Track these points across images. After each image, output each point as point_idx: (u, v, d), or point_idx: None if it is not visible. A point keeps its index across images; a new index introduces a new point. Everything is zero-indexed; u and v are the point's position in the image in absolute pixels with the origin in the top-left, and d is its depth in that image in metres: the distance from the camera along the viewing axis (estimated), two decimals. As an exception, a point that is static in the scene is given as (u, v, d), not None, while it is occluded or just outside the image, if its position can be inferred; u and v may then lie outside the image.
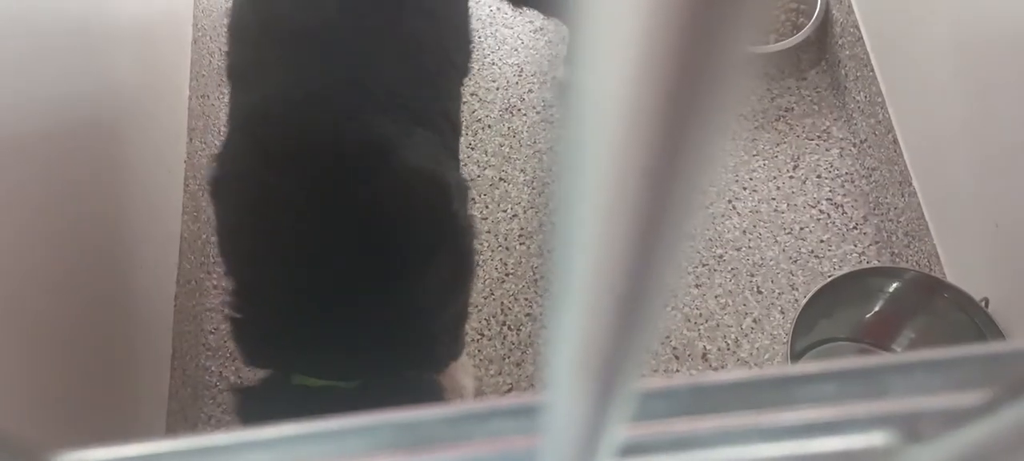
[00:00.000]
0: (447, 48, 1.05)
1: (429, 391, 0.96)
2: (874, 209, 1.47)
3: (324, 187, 0.87)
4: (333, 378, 0.90)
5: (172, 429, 1.26)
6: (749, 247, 1.45)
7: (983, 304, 1.11)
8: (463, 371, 1.31)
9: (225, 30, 1.04)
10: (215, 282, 1.48)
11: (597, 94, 0.11)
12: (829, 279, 1.19)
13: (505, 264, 1.46)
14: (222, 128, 1.62)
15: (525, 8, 1.55)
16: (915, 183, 1.33)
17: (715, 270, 1.43)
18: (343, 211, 0.87)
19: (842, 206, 1.48)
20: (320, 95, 0.91)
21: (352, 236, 0.88)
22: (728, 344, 1.37)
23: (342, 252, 0.88)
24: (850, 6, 1.51)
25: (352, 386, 0.90)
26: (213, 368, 1.41)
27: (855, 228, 1.46)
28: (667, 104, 0.11)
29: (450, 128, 1.04)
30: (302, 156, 0.89)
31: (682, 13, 0.10)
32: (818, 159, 1.53)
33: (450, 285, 0.98)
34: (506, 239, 1.48)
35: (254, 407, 0.91)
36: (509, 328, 1.41)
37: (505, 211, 1.51)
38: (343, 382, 0.90)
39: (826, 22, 1.59)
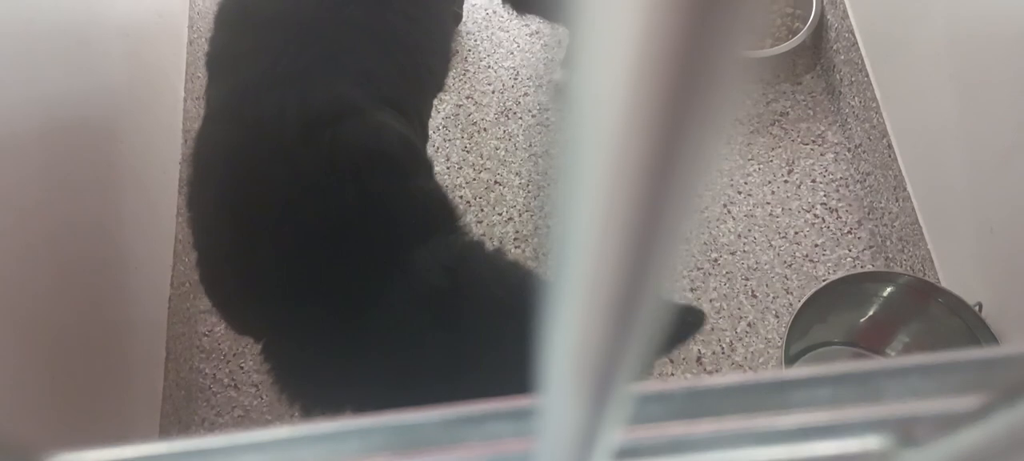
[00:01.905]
0: (426, 53, 1.06)
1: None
2: (868, 214, 1.47)
3: (296, 153, 0.86)
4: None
5: (165, 431, 1.26)
6: (744, 251, 1.45)
7: (977, 308, 1.12)
8: None
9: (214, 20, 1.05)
10: (209, 284, 1.48)
11: (594, 98, 0.11)
12: (823, 283, 1.19)
13: (500, 267, 1.46)
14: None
15: (528, 14, 1.56)
16: (909, 188, 1.33)
17: (710, 274, 1.43)
18: (325, 182, 0.86)
19: (837, 210, 1.49)
20: (296, 74, 0.91)
21: (343, 206, 0.86)
22: (723, 348, 1.37)
23: (340, 230, 0.86)
24: (845, 11, 1.52)
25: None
26: (207, 370, 1.40)
27: (849, 233, 1.46)
28: (664, 108, 0.11)
29: (421, 127, 1.05)
30: (273, 121, 0.88)
31: (679, 18, 0.10)
32: (813, 164, 1.54)
33: (438, 212, 0.97)
34: (501, 242, 1.48)
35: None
36: (504, 331, 1.40)
37: (500, 214, 1.51)
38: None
39: (821, 27, 1.60)
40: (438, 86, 1.13)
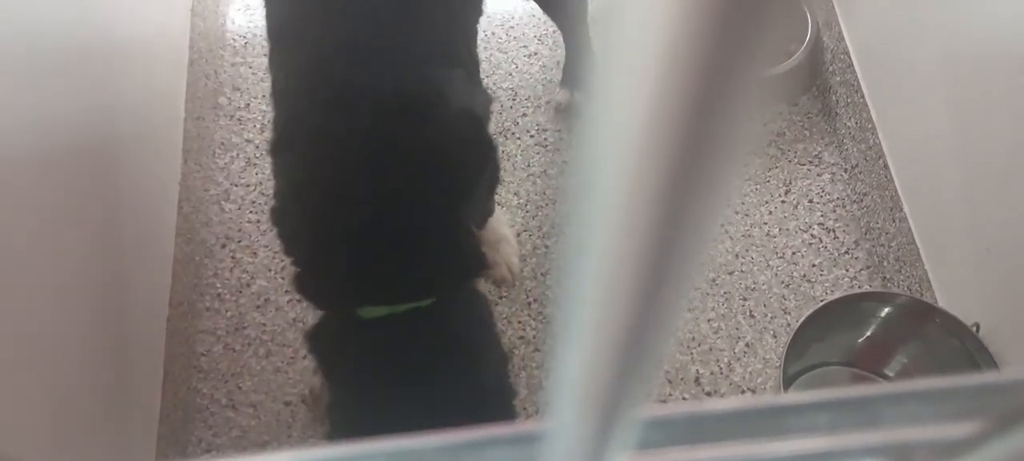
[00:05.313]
0: None
1: (477, 303, 1.05)
2: (865, 234, 1.48)
3: (381, 133, 0.94)
4: (395, 303, 0.96)
5: (162, 452, 1.25)
6: (741, 271, 1.46)
7: (974, 329, 1.12)
8: (500, 223, 1.39)
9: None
10: (208, 304, 1.47)
11: (613, 125, 0.12)
12: (821, 304, 1.19)
13: (498, 287, 1.46)
14: (217, 149, 1.62)
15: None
16: (906, 208, 1.34)
17: (708, 294, 1.44)
18: (398, 154, 0.95)
19: (834, 231, 1.49)
20: (364, 46, 0.98)
21: (406, 175, 0.95)
22: (721, 368, 1.37)
23: (397, 191, 0.95)
24: (841, 32, 1.53)
25: (410, 308, 0.96)
26: (205, 391, 1.40)
27: (847, 253, 1.47)
28: (683, 134, 0.11)
29: (473, 62, 1.13)
30: (361, 107, 0.95)
31: (699, 44, 0.10)
32: (810, 184, 1.54)
33: (486, 196, 1.16)
34: (500, 262, 1.49)
35: (326, 344, 1.00)
36: (502, 351, 1.40)
37: (499, 234, 1.52)
38: (404, 305, 0.96)
39: (817, 48, 1.61)
40: (479, 11, 1.17)
